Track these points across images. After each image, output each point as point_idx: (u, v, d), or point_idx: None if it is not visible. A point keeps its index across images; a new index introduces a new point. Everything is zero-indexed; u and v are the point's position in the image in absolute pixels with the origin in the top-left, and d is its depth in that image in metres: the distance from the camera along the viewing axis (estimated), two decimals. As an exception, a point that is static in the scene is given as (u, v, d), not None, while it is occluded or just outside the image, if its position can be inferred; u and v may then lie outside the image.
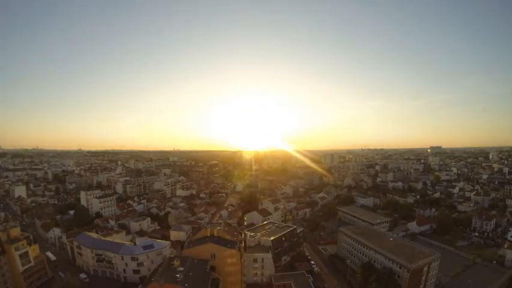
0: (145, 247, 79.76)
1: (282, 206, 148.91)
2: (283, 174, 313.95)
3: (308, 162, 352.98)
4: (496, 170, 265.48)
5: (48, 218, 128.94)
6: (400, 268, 72.42)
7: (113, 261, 79.66)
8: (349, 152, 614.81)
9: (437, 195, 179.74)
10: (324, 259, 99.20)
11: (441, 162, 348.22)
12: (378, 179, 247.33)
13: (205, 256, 62.99)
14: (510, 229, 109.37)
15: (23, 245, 73.11)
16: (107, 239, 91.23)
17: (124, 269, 78.60)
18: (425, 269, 72.00)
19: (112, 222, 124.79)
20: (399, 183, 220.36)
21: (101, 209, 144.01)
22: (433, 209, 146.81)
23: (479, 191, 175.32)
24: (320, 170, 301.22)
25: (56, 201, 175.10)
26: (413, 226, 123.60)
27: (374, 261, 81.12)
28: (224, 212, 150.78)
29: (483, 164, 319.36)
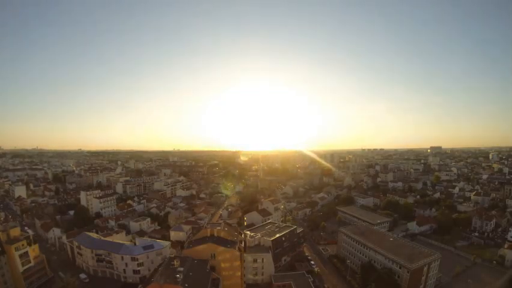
0: (145, 247, 79.93)
1: (282, 206, 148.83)
2: (283, 174, 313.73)
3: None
4: (496, 170, 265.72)
5: (48, 218, 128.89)
6: (400, 268, 72.40)
7: (113, 262, 79.79)
8: (349, 152, 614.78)
9: (437, 195, 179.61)
10: (324, 259, 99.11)
11: (441, 162, 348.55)
12: (378, 179, 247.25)
13: (205, 256, 62.97)
14: (510, 229, 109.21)
15: (23, 245, 73.24)
16: (107, 239, 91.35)
17: (124, 269, 78.73)
18: (425, 269, 71.96)
19: (112, 223, 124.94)
20: (399, 183, 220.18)
21: (101, 209, 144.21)
22: (433, 209, 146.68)
23: (479, 191, 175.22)
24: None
25: (56, 201, 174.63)
26: (413, 226, 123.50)
27: (374, 262, 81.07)
28: (224, 212, 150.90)
29: (483, 164, 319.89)
